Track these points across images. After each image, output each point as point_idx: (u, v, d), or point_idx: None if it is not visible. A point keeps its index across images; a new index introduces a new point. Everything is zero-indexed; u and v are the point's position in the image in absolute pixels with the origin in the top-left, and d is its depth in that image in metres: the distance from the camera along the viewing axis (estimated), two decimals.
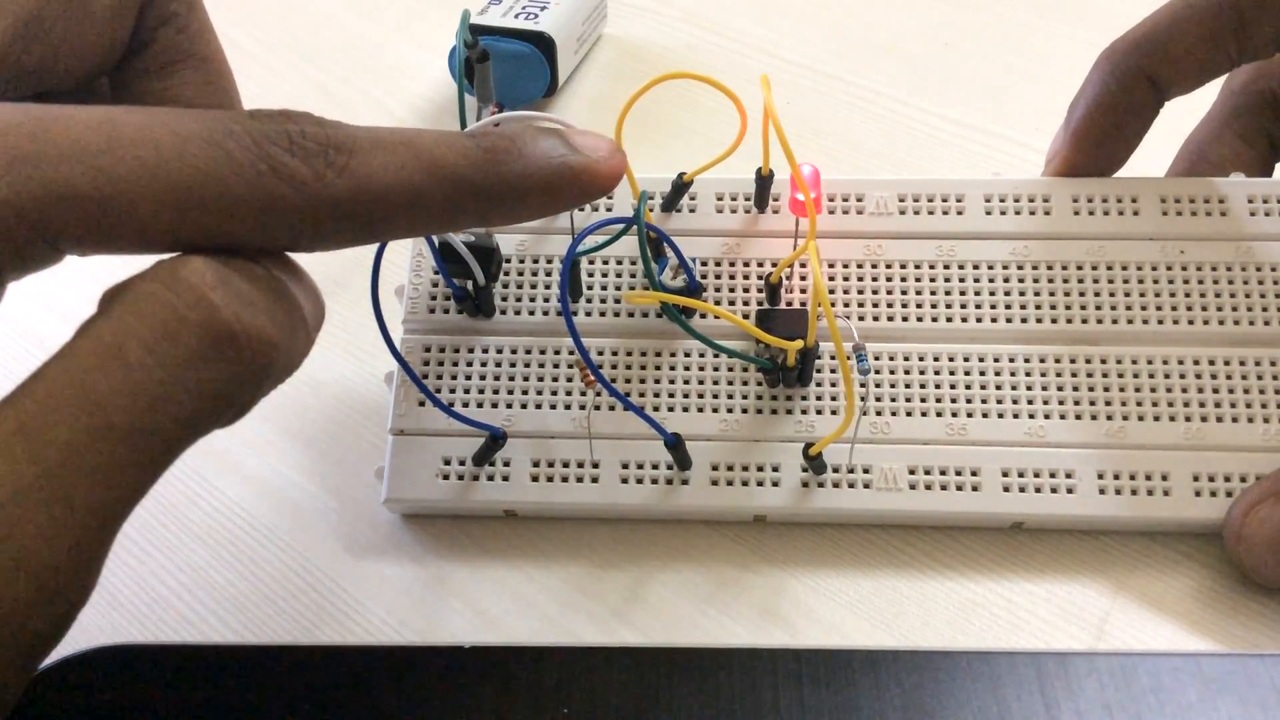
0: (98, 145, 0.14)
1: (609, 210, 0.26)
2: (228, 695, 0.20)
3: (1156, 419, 0.23)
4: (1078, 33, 0.34)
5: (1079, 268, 0.25)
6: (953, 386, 0.24)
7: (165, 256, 0.15)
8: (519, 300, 0.25)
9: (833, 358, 0.24)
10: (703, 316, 0.25)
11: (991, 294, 0.25)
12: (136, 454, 0.14)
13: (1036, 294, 0.24)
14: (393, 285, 0.25)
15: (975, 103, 0.32)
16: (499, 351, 0.25)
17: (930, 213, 0.25)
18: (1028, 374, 0.24)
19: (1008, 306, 0.24)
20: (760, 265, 0.25)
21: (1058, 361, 0.24)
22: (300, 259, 0.17)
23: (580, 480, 0.23)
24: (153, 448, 0.14)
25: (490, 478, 0.23)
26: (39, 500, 0.14)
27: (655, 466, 0.23)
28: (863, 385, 0.23)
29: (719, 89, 0.23)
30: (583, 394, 0.24)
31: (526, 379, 0.24)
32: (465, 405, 0.24)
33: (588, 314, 0.25)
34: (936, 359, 0.24)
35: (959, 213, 0.25)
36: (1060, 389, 0.24)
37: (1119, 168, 0.26)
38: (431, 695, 0.20)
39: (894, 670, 0.20)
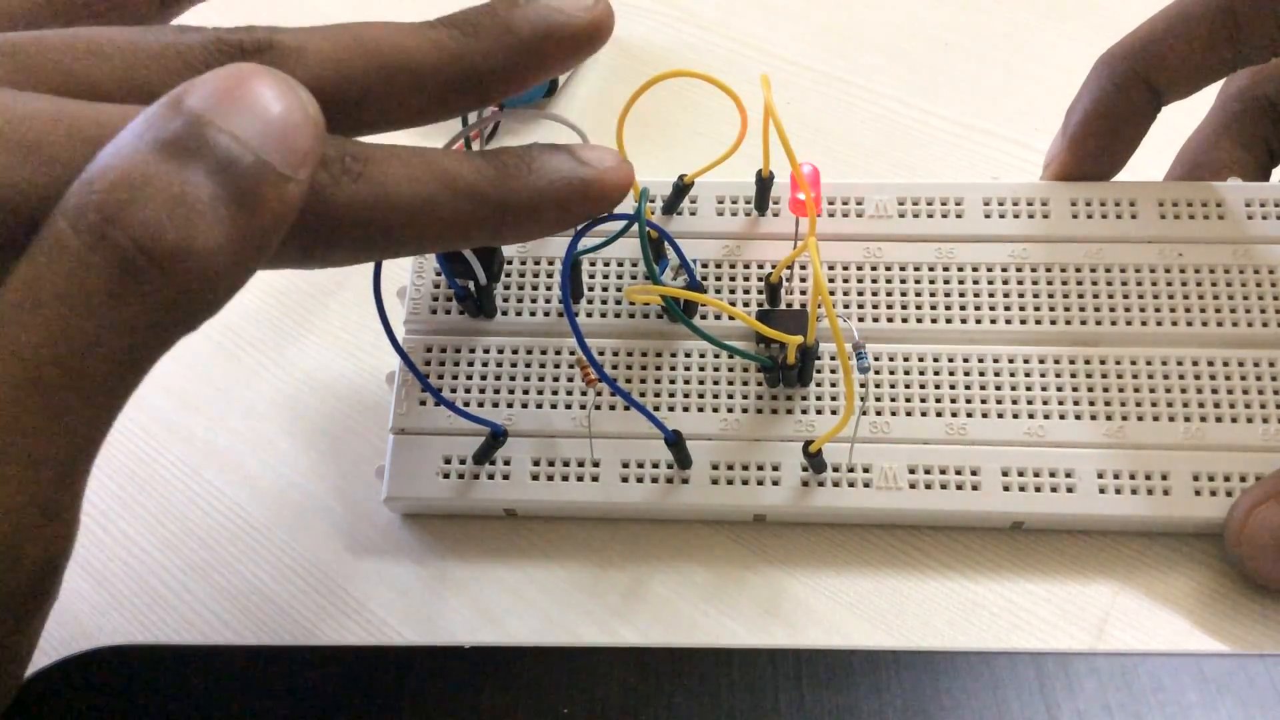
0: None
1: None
2: (228, 695, 0.20)
3: (1156, 419, 0.23)
4: (1077, 33, 0.34)
5: (1078, 270, 0.25)
6: (953, 387, 0.24)
7: (84, 179, 0.14)
8: (520, 301, 0.25)
9: (833, 358, 0.24)
10: (703, 317, 0.25)
11: (991, 296, 0.25)
12: (76, 400, 0.14)
13: (1036, 296, 0.25)
14: (394, 286, 0.25)
15: (975, 103, 0.32)
16: (500, 351, 0.25)
17: (930, 216, 0.25)
18: (1027, 374, 0.24)
19: (1007, 308, 0.24)
20: (760, 267, 0.25)
21: (1057, 362, 0.24)
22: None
23: (581, 479, 0.23)
24: (94, 389, 0.14)
25: (491, 476, 0.23)
26: None
27: (655, 465, 0.23)
28: (862, 385, 0.24)
29: (719, 88, 0.23)
30: (583, 393, 0.24)
31: (527, 378, 0.24)
32: (466, 404, 0.24)
33: (589, 314, 0.25)
34: (936, 359, 0.24)
35: (958, 216, 0.25)
36: (1060, 389, 0.24)
37: (1117, 172, 0.26)
38: (431, 695, 0.20)
39: (894, 670, 0.20)
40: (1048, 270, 0.25)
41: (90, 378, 0.14)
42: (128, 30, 0.17)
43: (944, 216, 0.25)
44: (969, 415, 0.23)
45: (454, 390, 0.24)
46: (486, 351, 0.25)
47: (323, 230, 0.16)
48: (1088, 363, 0.24)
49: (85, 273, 0.13)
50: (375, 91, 0.17)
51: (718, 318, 0.25)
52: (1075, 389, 0.24)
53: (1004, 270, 0.25)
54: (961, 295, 0.25)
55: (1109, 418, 0.23)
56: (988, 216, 0.25)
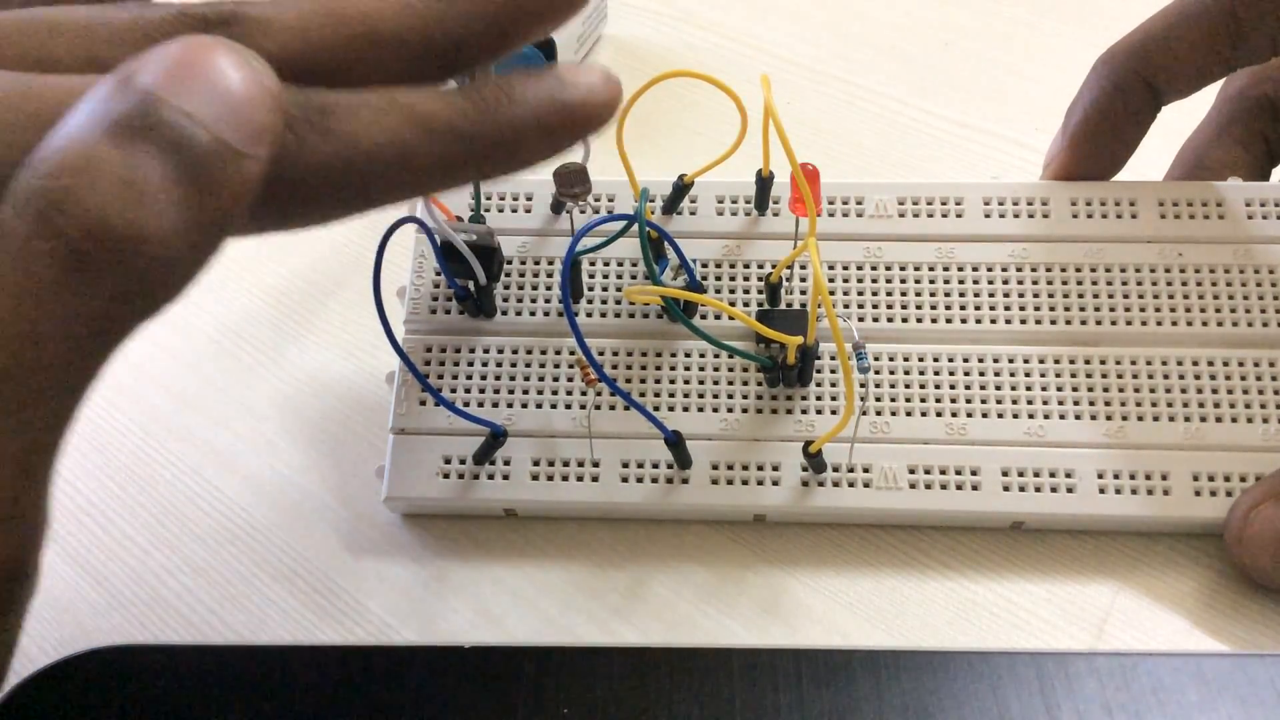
0: None
1: (610, 207, 0.26)
2: (228, 695, 0.20)
3: (1156, 419, 0.23)
4: (1078, 33, 0.34)
5: (1078, 270, 0.25)
6: (952, 386, 0.24)
7: (30, 163, 0.13)
8: (520, 300, 0.25)
9: (833, 358, 0.24)
10: (703, 317, 0.25)
11: (991, 295, 0.25)
12: (31, 394, 0.13)
13: (1035, 295, 0.25)
14: (394, 286, 0.25)
15: (975, 103, 0.32)
16: (500, 351, 0.25)
17: (930, 215, 0.25)
18: (1027, 374, 0.24)
19: (1007, 308, 0.24)
20: (760, 267, 0.25)
21: (1057, 362, 0.24)
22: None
23: (580, 479, 0.23)
24: (49, 381, 0.14)
25: (490, 476, 0.23)
26: None
27: (655, 465, 0.23)
28: (862, 385, 0.24)
29: (719, 88, 0.23)
30: (583, 393, 0.24)
31: (527, 378, 0.24)
32: (466, 404, 0.24)
33: (589, 314, 0.25)
34: (936, 359, 0.24)
35: (958, 215, 0.25)
36: (1060, 389, 0.24)
37: (1117, 171, 0.26)
38: (431, 695, 0.20)
39: (894, 670, 0.20)
40: (1048, 270, 0.25)
41: (44, 371, 0.13)
42: (90, 8, 0.16)
43: (944, 216, 0.25)
44: (969, 415, 0.23)
45: (454, 390, 0.24)
46: (486, 351, 0.25)
47: (296, 192, 0.15)
48: (1088, 363, 0.24)
49: (32, 262, 0.13)
50: (347, 62, 0.16)
51: (718, 318, 0.25)
52: (1075, 389, 0.24)
53: (1004, 270, 0.25)
54: (961, 295, 0.25)
55: (1109, 418, 0.23)
56: (988, 216, 0.25)
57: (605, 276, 0.25)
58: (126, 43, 0.16)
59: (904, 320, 0.24)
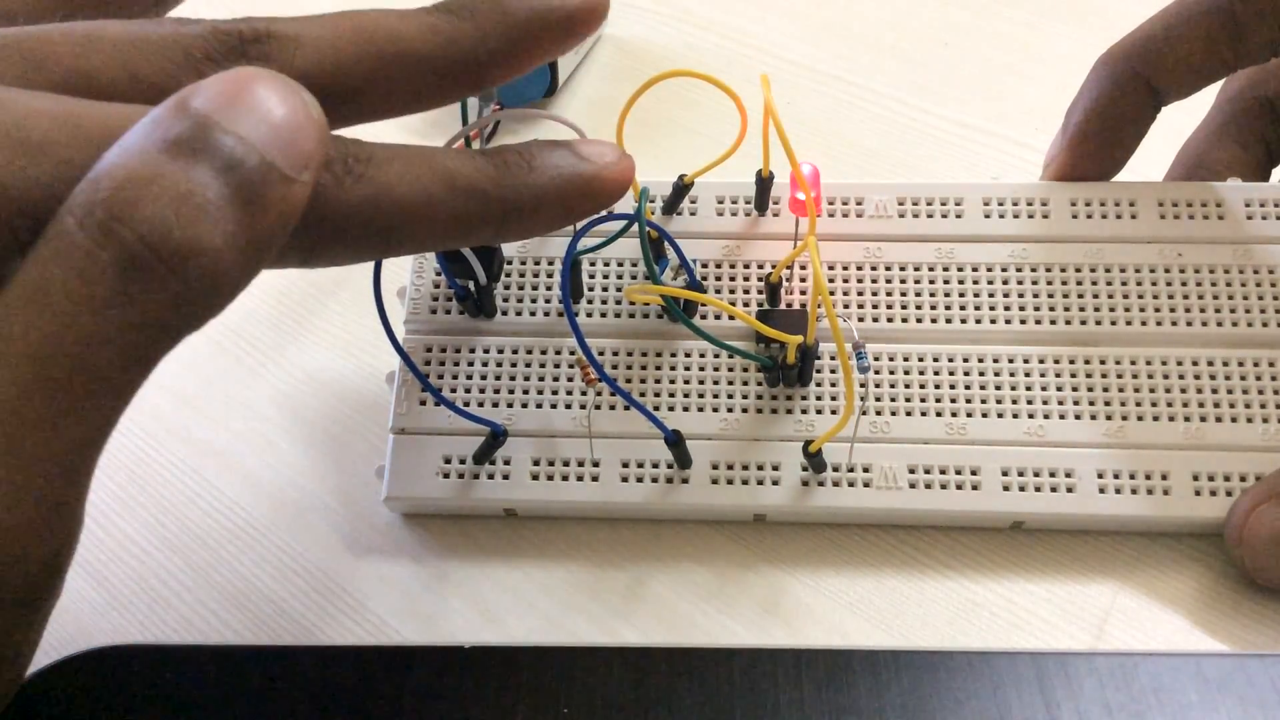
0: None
1: (610, 207, 0.26)
2: (228, 695, 0.20)
3: (1156, 419, 0.23)
4: (1077, 33, 0.34)
5: (1077, 270, 0.25)
6: (952, 386, 0.24)
7: (91, 177, 0.14)
8: (520, 300, 0.25)
9: (833, 358, 0.24)
10: (703, 317, 0.25)
11: (991, 296, 0.25)
12: (83, 397, 0.14)
13: (1036, 296, 0.25)
14: (394, 286, 0.25)
15: (975, 103, 0.32)
16: (500, 351, 0.25)
17: (929, 216, 0.25)
18: (1027, 374, 0.24)
19: (1007, 308, 0.24)
20: (760, 267, 0.25)
21: (1057, 362, 0.24)
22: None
23: (580, 479, 0.23)
24: (98, 388, 0.14)
25: (490, 476, 0.23)
26: None
27: (655, 465, 0.23)
28: (862, 385, 0.24)
29: (719, 87, 0.23)
30: (583, 393, 0.24)
31: (528, 378, 0.24)
32: (466, 404, 0.24)
33: (589, 314, 0.25)
34: (936, 359, 0.24)
35: (958, 216, 0.25)
36: (1060, 389, 0.24)
37: (1117, 172, 0.26)
38: (431, 695, 0.20)
39: (894, 670, 0.20)
40: (1048, 270, 0.25)
41: (97, 375, 0.14)
42: (127, 23, 0.17)
43: (944, 216, 0.25)
44: (969, 415, 0.23)
45: (454, 390, 0.24)
46: (486, 351, 0.25)
47: (325, 230, 0.16)
48: (1088, 363, 0.24)
49: (93, 270, 0.13)
50: (373, 78, 0.17)
51: (718, 318, 0.25)
52: (1075, 389, 0.24)
53: (1004, 270, 0.25)
54: (961, 295, 0.25)
55: (1109, 418, 0.23)
56: (988, 216, 0.25)
57: (605, 276, 0.25)
58: (167, 59, 0.16)
59: (904, 320, 0.24)
